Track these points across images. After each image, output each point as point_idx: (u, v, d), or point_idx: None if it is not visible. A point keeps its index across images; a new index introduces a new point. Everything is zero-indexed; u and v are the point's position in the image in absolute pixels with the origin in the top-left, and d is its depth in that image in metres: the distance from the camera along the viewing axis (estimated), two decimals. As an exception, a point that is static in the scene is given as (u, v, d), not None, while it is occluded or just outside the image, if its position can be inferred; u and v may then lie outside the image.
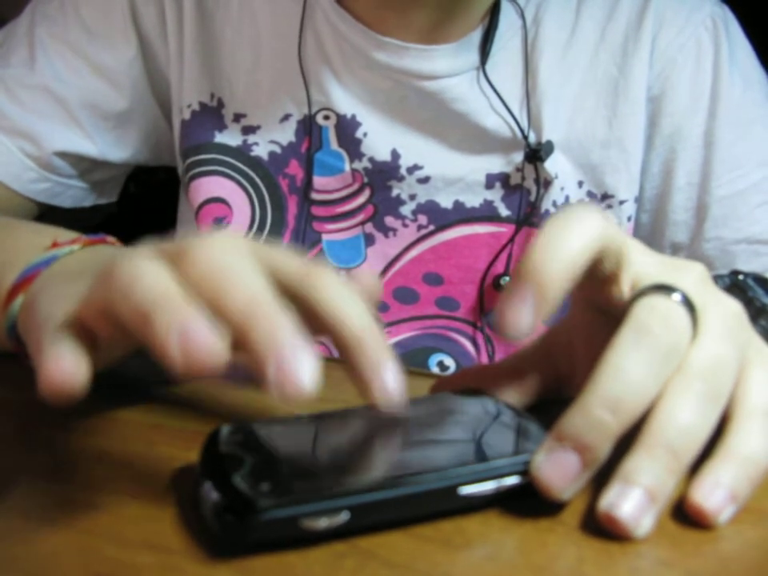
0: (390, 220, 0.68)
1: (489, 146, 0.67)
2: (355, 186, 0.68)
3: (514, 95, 0.66)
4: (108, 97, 0.68)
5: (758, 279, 0.47)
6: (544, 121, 0.66)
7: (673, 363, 0.31)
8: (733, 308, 0.34)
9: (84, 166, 0.70)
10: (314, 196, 0.68)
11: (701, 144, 0.67)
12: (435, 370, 0.70)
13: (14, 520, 0.30)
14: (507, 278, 0.67)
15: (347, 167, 0.67)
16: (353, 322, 0.31)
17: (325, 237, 0.69)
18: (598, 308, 0.36)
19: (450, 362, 0.70)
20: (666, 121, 0.67)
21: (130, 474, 0.33)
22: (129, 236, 0.44)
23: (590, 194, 0.68)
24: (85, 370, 0.28)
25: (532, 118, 0.66)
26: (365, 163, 0.67)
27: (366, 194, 0.68)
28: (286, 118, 0.68)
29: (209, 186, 0.68)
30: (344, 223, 0.69)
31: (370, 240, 0.69)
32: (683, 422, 0.30)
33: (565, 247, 0.30)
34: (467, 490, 0.30)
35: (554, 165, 0.66)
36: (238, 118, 0.68)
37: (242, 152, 0.68)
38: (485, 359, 0.70)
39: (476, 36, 0.65)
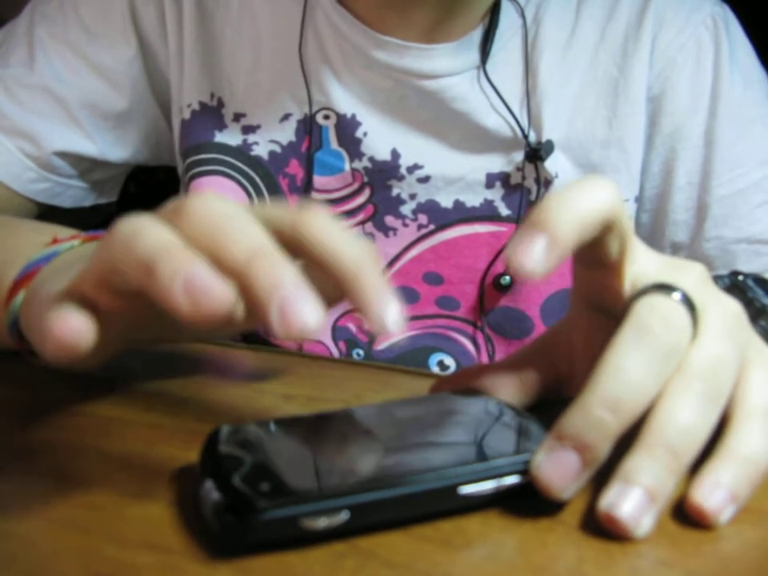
0: (390, 219, 0.68)
1: (489, 145, 0.67)
2: (355, 186, 0.68)
3: (515, 94, 0.66)
4: (108, 97, 0.68)
5: (758, 280, 0.47)
6: (544, 120, 0.66)
7: (673, 363, 0.31)
8: (733, 308, 0.34)
9: (84, 165, 0.70)
10: (314, 195, 0.68)
11: (701, 143, 0.67)
12: (435, 369, 0.70)
13: (13, 520, 0.30)
14: (507, 278, 0.67)
15: (347, 167, 0.67)
16: (347, 256, 0.30)
17: (325, 236, 0.69)
18: (597, 307, 0.36)
19: (450, 361, 0.70)
20: (666, 120, 0.67)
21: (129, 474, 0.33)
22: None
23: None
24: (92, 328, 0.28)
25: (532, 118, 0.66)
26: (365, 163, 0.67)
27: (366, 193, 0.68)
28: (286, 117, 0.68)
29: (209, 186, 0.68)
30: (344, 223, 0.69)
31: (369, 239, 0.69)
32: (683, 421, 0.30)
33: (579, 202, 0.30)
34: (467, 489, 0.30)
35: (554, 164, 0.66)
36: (237, 117, 0.68)
37: (242, 151, 0.68)
38: (485, 359, 0.70)
39: (476, 35, 0.65)
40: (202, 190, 0.68)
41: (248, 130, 0.68)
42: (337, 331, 0.69)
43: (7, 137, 0.65)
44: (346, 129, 0.67)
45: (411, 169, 0.67)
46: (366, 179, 0.67)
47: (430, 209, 0.68)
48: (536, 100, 0.66)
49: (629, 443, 0.30)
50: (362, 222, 0.68)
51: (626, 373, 0.30)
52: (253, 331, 0.66)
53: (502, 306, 0.68)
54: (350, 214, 0.68)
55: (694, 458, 0.30)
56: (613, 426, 0.29)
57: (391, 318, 0.29)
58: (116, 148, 0.70)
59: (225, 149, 0.68)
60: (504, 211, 0.68)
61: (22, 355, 0.40)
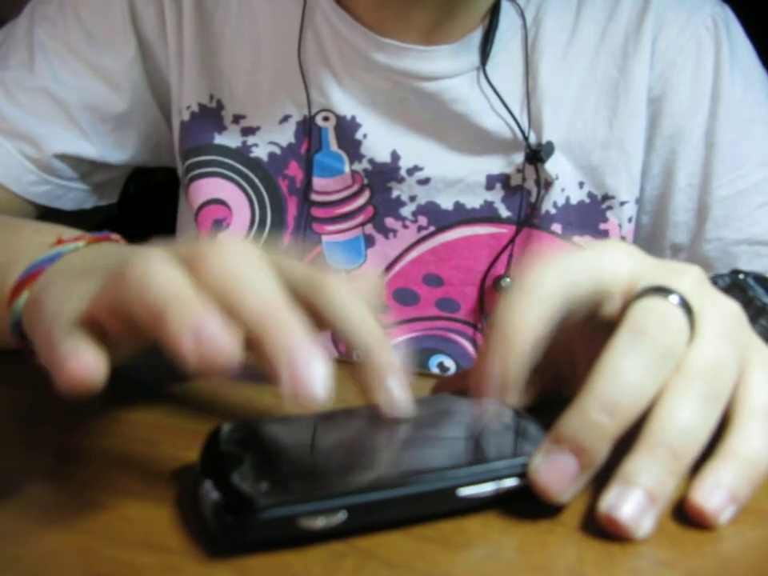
0: (390, 221, 0.68)
1: (489, 146, 0.67)
2: (355, 188, 0.68)
3: (515, 96, 0.66)
4: (108, 99, 0.68)
5: (759, 278, 0.47)
6: (544, 122, 0.66)
7: (670, 365, 0.31)
8: (731, 309, 0.34)
9: (84, 168, 0.70)
10: (314, 197, 0.68)
11: (701, 145, 0.67)
12: (435, 371, 0.70)
13: (13, 520, 0.30)
14: (508, 280, 0.67)
15: (347, 168, 0.67)
16: (360, 334, 0.32)
17: (325, 238, 0.69)
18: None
19: (450, 363, 0.70)
20: (667, 122, 0.67)
21: (129, 474, 0.33)
22: (129, 237, 0.44)
23: (591, 196, 0.68)
24: (104, 364, 0.28)
25: (532, 119, 0.66)
26: (365, 164, 0.67)
27: (366, 195, 0.68)
28: (286, 119, 0.68)
29: (208, 188, 0.68)
30: (344, 224, 0.69)
31: (370, 241, 0.69)
32: (683, 422, 0.30)
33: (522, 318, 0.31)
34: (466, 491, 0.30)
35: (554, 166, 0.66)
36: (237, 119, 0.68)
37: (241, 153, 0.68)
38: (485, 360, 0.69)
39: (476, 36, 0.65)
40: (201, 191, 0.68)
41: (247, 131, 0.68)
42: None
43: (7, 139, 0.65)
44: (346, 131, 0.67)
45: (411, 171, 0.67)
46: (365, 181, 0.67)
47: (430, 210, 0.68)
48: (536, 101, 0.66)
49: (629, 444, 0.30)
50: (362, 224, 0.68)
51: (622, 375, 0.30)
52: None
53: None
54: (349, 215, 0.68)
55: (694, 458, 0.30)
56: (610, 429, 0.29)
57: (398, 398, 0.31)
58: (116, 150, 0.70)
59: (224, 151, 0.68)
60: (504, 213, 0.68)
61: (23, 354, 0.40)
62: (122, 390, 0.41)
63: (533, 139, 0.66)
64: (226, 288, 0.28)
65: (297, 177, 0.68)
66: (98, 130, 0.68)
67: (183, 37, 0.67)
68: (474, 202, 0.67)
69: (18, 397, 0.41)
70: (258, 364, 0.27)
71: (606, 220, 0.68)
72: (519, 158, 0.66)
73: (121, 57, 0.67)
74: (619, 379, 0.30)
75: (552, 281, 0.32)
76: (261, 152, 0.68)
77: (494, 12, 0.65)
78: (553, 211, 0.67)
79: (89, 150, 0.68)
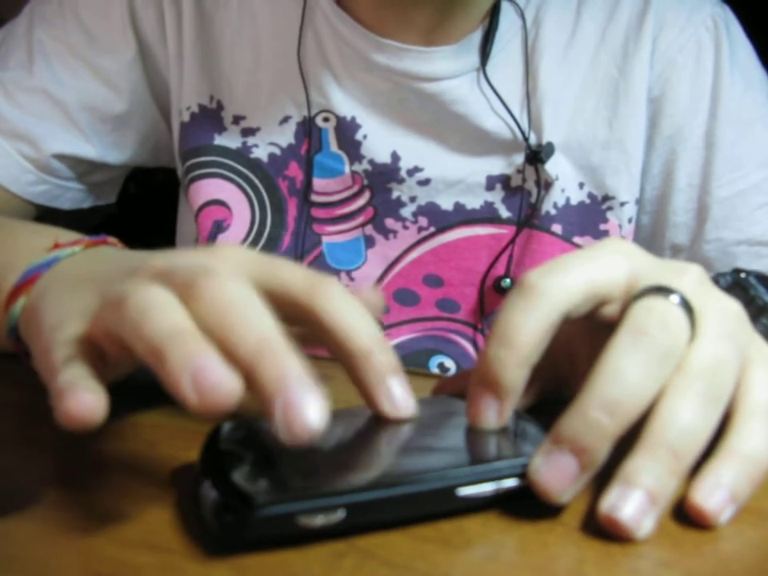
0: (390, 222, 0.68)
1: (489, 147, 0.67)
2: (355, 188, 0.68)
3: (515, 96, 0.66)
4: (107, 99, 0.68)
5: (760, 277, 0.47)
6: (544, 122, 0.66)
7: (670, 364, 0.31)
8: (732, 308, 0.34)
9: (82, 168, 0.70)
10: (314, 198, 0.68)
11: (701, 145, 0.67)
12: (435, 371, 0.70)
13: (14, 520, 0.30)
14: (508, 280, 0.67)
15: (347, 169, 0.67)
16: (360, 336, 0.32)
17: (325, 239, 0.69)
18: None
19: (450, 363, 0.70)
20: (667, 122, 0.67)
21: (129, 474, 0.33)
22: (129, 237, 0.44)
23: (591, 196, 0.68)
24: (103, 402, 0.28)
25: (532, 120, 0.66)
26: (365, 165, 0.67)
27: (366, 196, 0.68)
28: (286, 119, 0.68)
29: (208, 189, 0.68)
30: (344, 225, 0.69)
31: (370, 242, 0.69)
32: (684, 422, 0.30)
33: (523, 325, 0.31)
34: (465, 491, 0.30)
35: (554, 166, 0.66)
36: (237, 120, 0.68)
37: (241, 154, 0.68)
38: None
39: (476, 37, 0.65)
40: (201, 192, 0.68)
41: (247, 132, 0.68)
42: None
43: (6, 139, 0.65)
44: (346, 131, 0.67)
45: (411, 171, 0.67)
46: (365, 182, 0.67)
47: (430, 211, 0.68)
48: (536, 102, 0.66)
49: (630, 444, 0.30)
50: (362, 225, 0.68)
51: (622, 375, 0.30)
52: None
53: None
54: (349, 216, 0.68)
55: (695, 458, 0.30)
56: (610, 429, 0.29)
57: (398, 400, 0.32)
58: (115, 150, 0.70)
59: (224, 151, 0.68)
60: (504, 213, 0.68)
61: (20, 357, 0.40)
62: (122, 390, 0.41)
63: (533, 140, 0.66)
64: (220, 322, 0.28)
65: (297, 177, 0.68)
66: (96, 131, 0.68)
67: (183, 38, 0.67)
68: (474, 202, 0.67)
69: (18, 397, 0.41)
70: (254, 399, 0.27)
71: (606, 221, 0.68)
72: (519, 158, 0.66)
73: (120, 58, 0.67)
74: (619, 379, 0.29)
75: (552, 285, 0.32)
76: (261, 153, 0.68)
77: (494, 13, 0.65)
78: (553, 212, 0.67)
79: (88, 150, 0.68)
